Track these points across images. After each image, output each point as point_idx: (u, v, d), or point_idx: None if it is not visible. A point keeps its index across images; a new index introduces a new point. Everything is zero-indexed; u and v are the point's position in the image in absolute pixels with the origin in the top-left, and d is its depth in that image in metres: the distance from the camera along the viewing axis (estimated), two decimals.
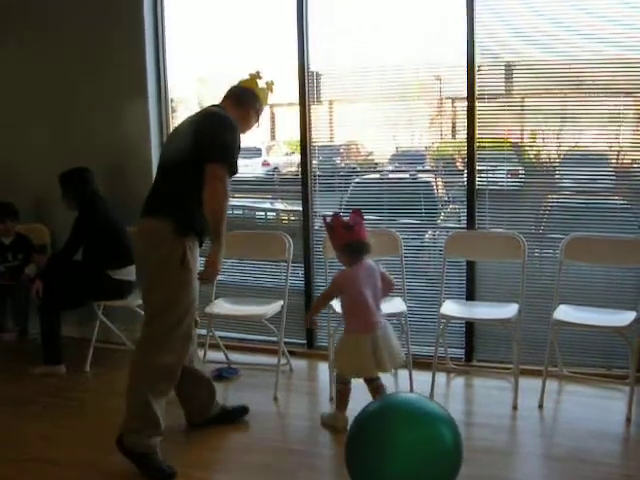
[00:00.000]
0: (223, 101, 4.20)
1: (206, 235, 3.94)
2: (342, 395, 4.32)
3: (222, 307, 5.16)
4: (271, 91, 4.31)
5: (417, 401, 3.63)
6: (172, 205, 3.85)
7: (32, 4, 5.92)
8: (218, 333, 5.38)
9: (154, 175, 5.71)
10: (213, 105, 4.15)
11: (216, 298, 5.25)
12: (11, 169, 6.08)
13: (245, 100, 4.20)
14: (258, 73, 4.27)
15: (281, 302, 5.04)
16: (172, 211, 3.83)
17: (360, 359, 4.15)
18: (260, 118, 4.30)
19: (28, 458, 4.10)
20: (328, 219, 4.28)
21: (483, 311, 4.99)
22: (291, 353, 5.18)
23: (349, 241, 4.17)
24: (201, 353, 5.04)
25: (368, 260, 4.23)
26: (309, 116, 5.54)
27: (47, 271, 5.45)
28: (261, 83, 4.28)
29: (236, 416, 4.49)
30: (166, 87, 5.87)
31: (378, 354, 4.12)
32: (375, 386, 4.26)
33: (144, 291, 4.00)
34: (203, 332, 5.09)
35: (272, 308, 4.98)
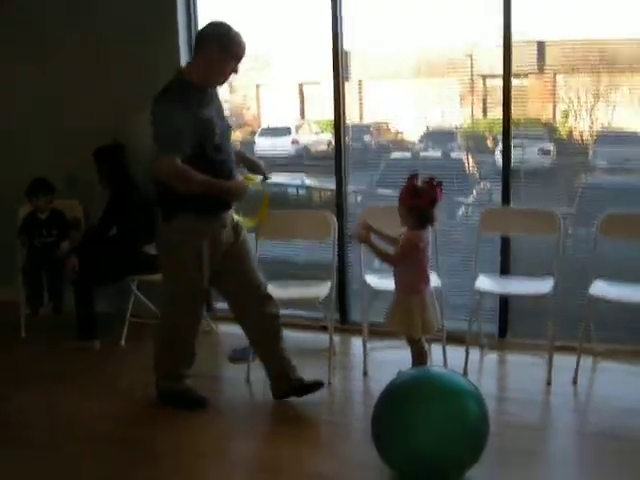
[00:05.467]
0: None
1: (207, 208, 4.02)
2: (423, 358, 4.33)
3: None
4: None
5: (444, 374, 3.67)
6: (159, 195, 4.11)
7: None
8: None
9: None
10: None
11: None
12: (44, 146, 6.13)
13: (202, 42, 3.97)
14: None
15: (329, 283, 4.88)
16: (160, 201, 4.11)
17: (415, 317, 4.17)
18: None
19: (61, 432, 4.17)
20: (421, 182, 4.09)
21: (518, 286, 4.98)
22: (324, 328, 5.19)
23: (428, 210, 4.09)
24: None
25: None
26: (343, 95, 5.51)
27: (81, 246, 5.50)
28: None
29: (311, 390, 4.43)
30: None
31: (425, 316, 4.18)
32: (421, 347, 4.31)
33: None
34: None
35: (323, 290, 4.83)
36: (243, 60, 4.00)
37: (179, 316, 4.27)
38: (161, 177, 3.92)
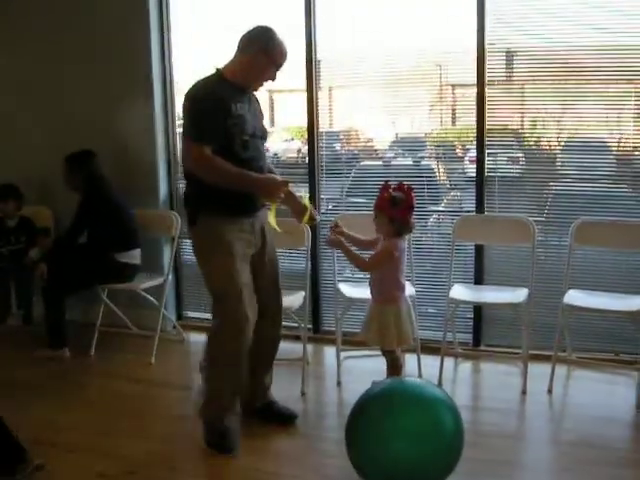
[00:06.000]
0: None
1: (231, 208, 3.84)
2: (398, 368, 4.25)
3: None
4: None
5: (418, 385, 3.65)
6: (185, 196, 4.01)
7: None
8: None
9: (158, 159, 5.76)
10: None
11: None
12: (14, 152, 6.03)
13: (247, 45, 3.87)
14: None
15: (302, 292, 4.87)
16: (185, 202, 3.99)
17: (390, 328, 4.11)
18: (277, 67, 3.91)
19: (31, 441, 4.04)
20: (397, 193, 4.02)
21: (493, 295, 4.98)
22: (297, 337, 5.15)
23: (408, 218, 4.05)
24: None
25: None
26: (316, 102, 5.50)
27: (51, 254, 5.43)
28: None
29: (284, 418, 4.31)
30: (171, 71, 5.84)
31: (400, 326, 4.10)
32: (396, 357, 4.24)
33: None
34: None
35: (296, 299, 4.79)
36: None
37: (229, 333, 3.89)
38: (190, 166, 3.82)
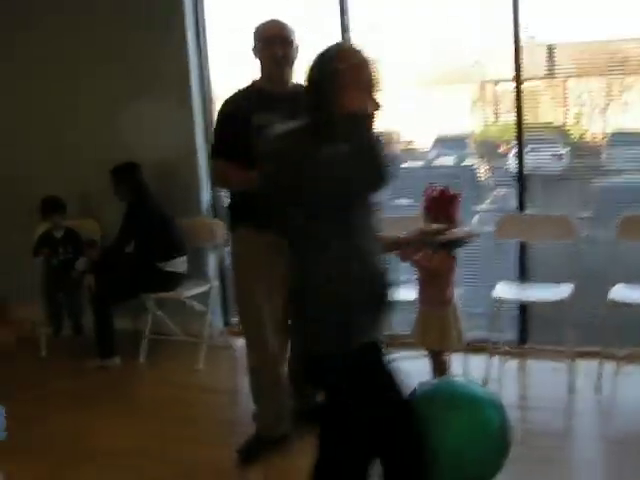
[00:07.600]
0: None
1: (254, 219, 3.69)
2: (446, 368, 4.22)
3: None
4: None
5: (465, 385, 3.63)
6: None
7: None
8: None
9: (200, 168, 5.80)
10: None
11: None
12: (62, 167, 6.11)
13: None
14: None
15: None
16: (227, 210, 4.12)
17: (451, 330, 4.07)
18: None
19: (84, 449, 4.16)
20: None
21: (537, 293, 4.94)
22: None
23: None
24: None
25: None
26: None
27: (99, 265, 5.51)
28: None
29: None
30: (209, 80, 5.91)
31: (458, 327, 4.09)
32: (445, 359, 4.21)
33: None
34: None
35: None
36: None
37: (251, 351, 3.99)
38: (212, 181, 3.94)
